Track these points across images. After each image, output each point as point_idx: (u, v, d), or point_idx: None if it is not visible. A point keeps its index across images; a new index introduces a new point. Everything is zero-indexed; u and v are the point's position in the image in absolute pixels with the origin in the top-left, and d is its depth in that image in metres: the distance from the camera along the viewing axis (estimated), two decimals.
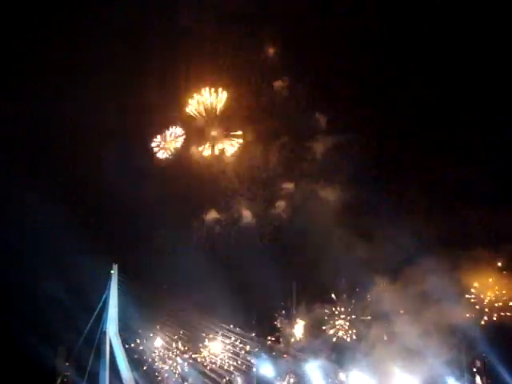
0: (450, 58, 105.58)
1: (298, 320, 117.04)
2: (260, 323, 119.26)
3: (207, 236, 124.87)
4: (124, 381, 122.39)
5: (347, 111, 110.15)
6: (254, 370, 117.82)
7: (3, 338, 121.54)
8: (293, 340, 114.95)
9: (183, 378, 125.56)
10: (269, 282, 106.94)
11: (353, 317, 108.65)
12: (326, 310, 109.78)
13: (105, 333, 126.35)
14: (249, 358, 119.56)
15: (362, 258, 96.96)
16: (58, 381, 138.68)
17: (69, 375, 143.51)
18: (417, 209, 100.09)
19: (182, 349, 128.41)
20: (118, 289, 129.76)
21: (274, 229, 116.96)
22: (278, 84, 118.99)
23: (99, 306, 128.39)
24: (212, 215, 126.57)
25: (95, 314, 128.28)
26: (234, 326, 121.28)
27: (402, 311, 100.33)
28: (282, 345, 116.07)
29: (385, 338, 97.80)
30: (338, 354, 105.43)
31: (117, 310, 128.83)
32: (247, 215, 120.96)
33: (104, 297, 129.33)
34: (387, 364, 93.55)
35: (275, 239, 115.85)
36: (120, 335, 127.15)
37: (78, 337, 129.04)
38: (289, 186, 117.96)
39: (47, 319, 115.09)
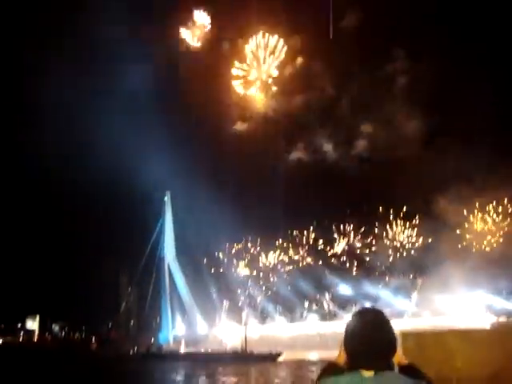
0: None
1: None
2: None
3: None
4: (184, 302, 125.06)
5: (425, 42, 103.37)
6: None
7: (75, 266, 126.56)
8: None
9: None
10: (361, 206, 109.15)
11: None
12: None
13: (163, 258, 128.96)
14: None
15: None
16: (123, 305, 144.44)
17: (132, 300, 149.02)
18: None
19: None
20: (173, 215, 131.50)
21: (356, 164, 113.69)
22: (348, 22, 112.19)
23: (155, 233, 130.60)
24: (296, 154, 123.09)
25: (152, 240, 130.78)
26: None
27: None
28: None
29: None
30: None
31: (173, 236, 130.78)
32: (328, 150, 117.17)
33: (159, 224, 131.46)
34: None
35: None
36: (178, 260, 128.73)
37: (138, 263, 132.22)
38: (367, 127, 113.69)
39: (108, 250, 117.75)
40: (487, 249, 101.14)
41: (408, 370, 2.44)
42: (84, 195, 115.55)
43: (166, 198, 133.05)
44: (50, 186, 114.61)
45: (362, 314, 2.55)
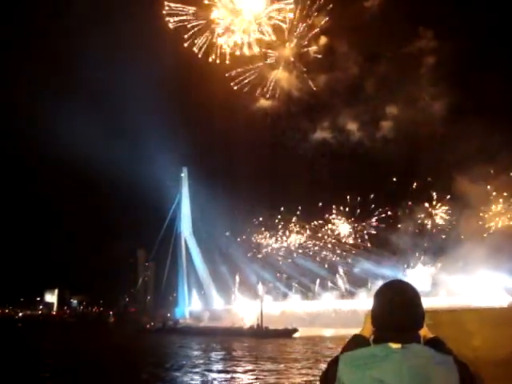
0: None
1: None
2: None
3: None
4: (200, 277, 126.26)
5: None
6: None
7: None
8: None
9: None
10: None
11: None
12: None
13: (180, 234, 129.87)
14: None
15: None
16: (140, 280, 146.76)
17: (149, 275, 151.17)
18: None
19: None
20: (189, 191, 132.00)
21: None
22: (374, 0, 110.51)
23: (173, 208, 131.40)
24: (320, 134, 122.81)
25: (169, 216, 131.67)
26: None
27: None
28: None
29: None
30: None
31: (190, 211, 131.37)
32: (353, 130, 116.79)
33: (176, 199, 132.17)
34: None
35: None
36: (194, 235, 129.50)
37: (155, 238, 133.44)
38: (392, 107, 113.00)
39: (126, 226, 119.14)
40: (508, 228, 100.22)
41: (434, 343, 2.43)
42: (102, 172, 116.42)
43: (182, 174, 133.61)
44: (72, 162, 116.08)
45: (392, 285, 2.52)
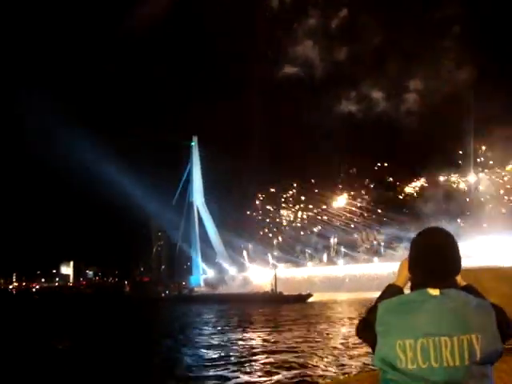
0: None
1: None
2: None
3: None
4: (214, 246, 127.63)
5: None
6: None
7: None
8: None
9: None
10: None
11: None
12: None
13: (192, 203, 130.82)
14: None
15: None
16: (154, 250, 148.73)
17: (162, 244, 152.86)
18: None
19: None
20: (200, 160, 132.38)
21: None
22: None
23: (184, 178, 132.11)
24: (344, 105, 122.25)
25: (181, 186, 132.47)
26: None
27: None
28: None
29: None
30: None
31: (201, 180, 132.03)
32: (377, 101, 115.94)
33: (187, 168, 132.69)
34: None
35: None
36: (206, 204, 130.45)
37: (168, 208, 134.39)
38: (416, 79, 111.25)
39: (138, 196, 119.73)
40: None
41: (469, 289, 2.53)
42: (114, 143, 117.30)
43: (193, 143, 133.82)
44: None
45: (431, 231, 2.57)
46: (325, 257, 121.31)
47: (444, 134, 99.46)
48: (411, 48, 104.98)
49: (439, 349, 2.19)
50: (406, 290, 2.57)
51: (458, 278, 2.56)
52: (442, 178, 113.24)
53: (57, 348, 29.46)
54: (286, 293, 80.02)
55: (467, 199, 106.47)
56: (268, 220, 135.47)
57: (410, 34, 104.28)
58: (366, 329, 2.43)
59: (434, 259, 2.45)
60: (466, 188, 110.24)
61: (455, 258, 2.50)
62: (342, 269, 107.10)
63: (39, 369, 21.87)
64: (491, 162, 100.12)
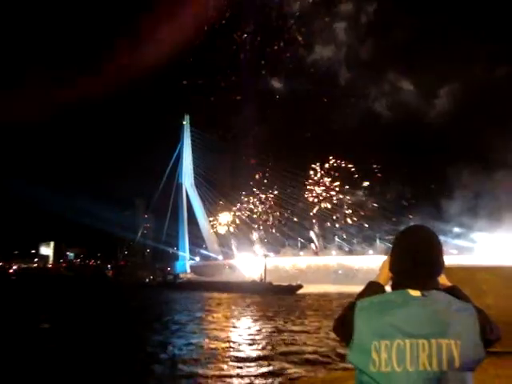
0: None
1: None
2: None
3: None
4: (202, 229, 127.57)
5: None
6: None
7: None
8: None
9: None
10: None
11: None
12: None
13: (181, 184, 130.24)
14: None
15: None
16: (139, 232, 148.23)
17: (148, 226, 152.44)
18: None
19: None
20: (191, 140, 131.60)
21: None
22: None
23: (174, 158, 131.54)
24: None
25: (170, 166, 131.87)
26: None
27: None
28: None
29: None
30: None
31: (191, 161, 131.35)
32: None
33: (178, 148, 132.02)
34: None
35: None
36: (196, 186, 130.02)
37: (155, 189, 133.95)
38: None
39: (125, 174, 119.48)
40: None
41: (453, 291, 2.48)
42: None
43: (184, 122, 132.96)
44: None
45: (414, 230, 2.54)
46: (316, 246, 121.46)
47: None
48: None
49: (416, 352, 2.18)
50: (388, 289, 2.50)
51: (442, 279, 2.51)
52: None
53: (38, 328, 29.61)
54: (275, 283, 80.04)
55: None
56: (262, 206, 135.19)
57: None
58: (343, 326, 2.38)
59: (415, 259, 2.41)
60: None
61: (438, 257, 2.45)
62: (335, 260, 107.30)
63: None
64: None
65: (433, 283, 2.40)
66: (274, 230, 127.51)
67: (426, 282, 2.37)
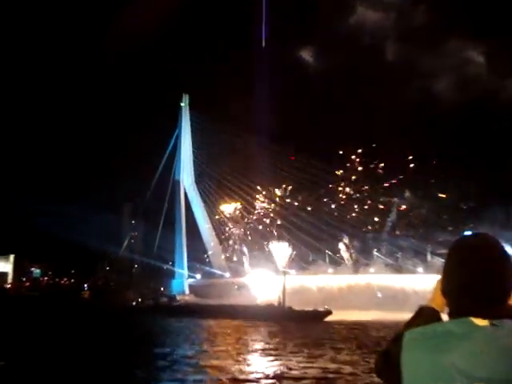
0: None
1: None
2: None
3: None
4: (204, 240, 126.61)
5: None
6: None
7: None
8: None
9: None
10: None
11: None
12: None
13: (178, 182, 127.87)
14: None
15: None
16: (125, 243, 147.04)
17: (136, 235, 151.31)
18: None
19: None
20: (191, 126, 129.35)
21: None
22: None
23: (169, 149, 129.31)
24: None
25: (164, 159, 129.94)
26: None
27: None
28: None
29: None
30: None
31: (191, 153, 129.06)
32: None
33: (174, 136, 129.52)
34: None
35: None
36: (197, 185, 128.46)
37: (145, 189, 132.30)
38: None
39: (109, 171, 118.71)
40: None
41: None
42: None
43: (183, 104, 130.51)
44: None
45: (473, 240, 2.34)
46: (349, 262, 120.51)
47: None
48: None
49: None
50: (444, 316, 2.40)
51: None
52: None
53: None
54: (296, 308, 79.63)
55: None
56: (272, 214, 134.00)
57: None
58: (387, 365, 2.31)
59: (478, 278, 2.27)
60: None
61: (508, 275, 2.30)
62: (376, 279, 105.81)
63: None
64: None
65: (504, 309, 2.22)
66: (295, 241, 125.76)
67: (495, 308, 2.20)
